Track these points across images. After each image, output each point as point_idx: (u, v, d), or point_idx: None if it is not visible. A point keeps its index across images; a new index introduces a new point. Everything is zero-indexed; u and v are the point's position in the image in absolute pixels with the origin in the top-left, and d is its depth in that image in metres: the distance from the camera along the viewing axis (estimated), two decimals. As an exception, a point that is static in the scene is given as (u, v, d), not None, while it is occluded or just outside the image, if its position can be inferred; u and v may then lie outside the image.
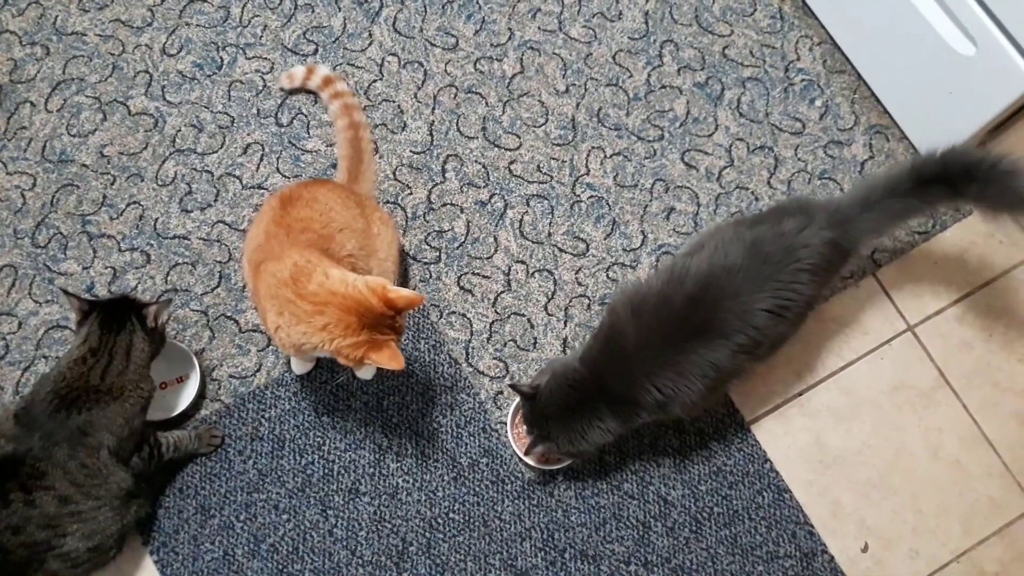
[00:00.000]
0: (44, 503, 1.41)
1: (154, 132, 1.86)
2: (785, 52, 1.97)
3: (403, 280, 1.76)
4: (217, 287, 1.77)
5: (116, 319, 1.51)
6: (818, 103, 1.93)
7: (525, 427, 1.60)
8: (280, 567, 1.61)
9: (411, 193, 1.84)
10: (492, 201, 1.85)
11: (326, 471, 1.67)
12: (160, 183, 1.83)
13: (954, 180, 1.52)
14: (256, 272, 1.41)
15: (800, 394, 1.76)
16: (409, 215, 1.83)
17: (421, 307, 1.76)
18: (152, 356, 1.56)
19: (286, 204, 1.46)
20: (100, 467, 1.46)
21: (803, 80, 1.95)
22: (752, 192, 1.87)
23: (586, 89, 1.93)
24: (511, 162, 1.87)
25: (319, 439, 1.68)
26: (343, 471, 1.67)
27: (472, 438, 1.69)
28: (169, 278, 1.77)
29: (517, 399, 1.65)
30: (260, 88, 1.90)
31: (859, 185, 1.64)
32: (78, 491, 1.44)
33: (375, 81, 1.92)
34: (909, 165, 1.56)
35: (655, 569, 1.64)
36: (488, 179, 1.86)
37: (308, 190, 1.50)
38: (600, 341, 1.53)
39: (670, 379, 1.45)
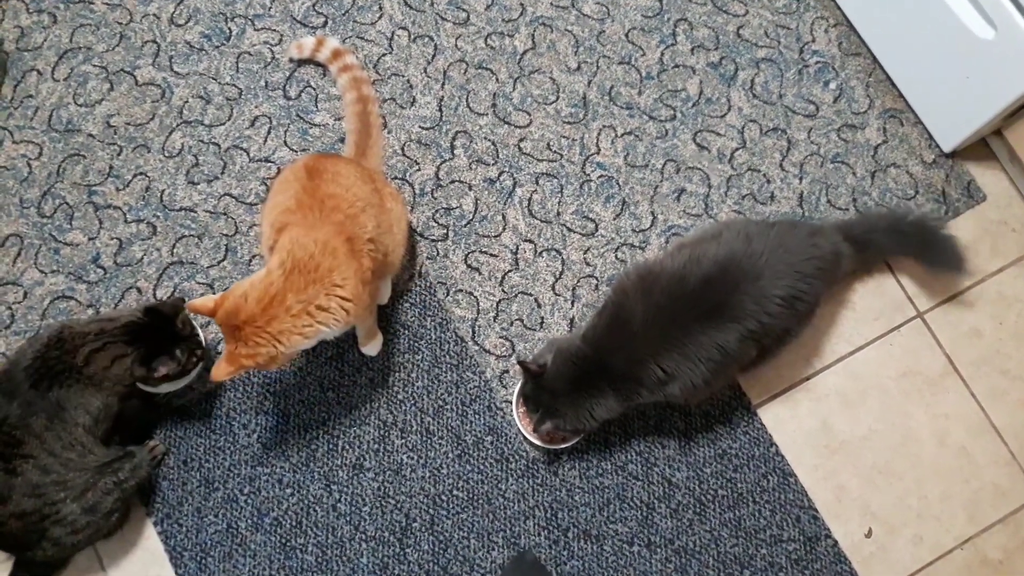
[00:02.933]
0: (25, 471, 1.41)
1: (161, 103, 1.84)
2: (800, 33, 1.94)
3: (410, 257, 1.75)
4: (223, 260, 1.76)
5: (143, 333, 1.49)
6: (832, 86, 1.91)
7: (525, 406, 1.59)
8: (283, 541, 1.62)
9: (419, 169, 1.83)
10: (501, 179, 1.83)
11: (330, 446, 1.66)
12: (167, 154, 1.82)
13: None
14: (277, 236, 1.40)
15: (808, 378, 1.75)
16: (417, 191, 1.82)
17: (428, 284, 1.75)
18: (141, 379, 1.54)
19: (312, 175, 1.45)
20: (77, 441, 1.45)
21: (818, 62, 1.92)
22: (764, 174, 1.85)
23: (598, 67, 1.90)
24: (521, 139, 1.85)
25: (324, 414, 1.68)
26: (347, 446, 1.66)
27: (477, 416, 1.69)
28: (175, 250, 1.76)
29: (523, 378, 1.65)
30: (268, 60, 1.88)
31: (870, 213, 1.81)
32: (57, 462, 1.43)
33: (384, 55, 1.90)
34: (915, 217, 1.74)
35: (658, 550, 1.64)
36: (497, 156, 1.84)
37: (330, 163, 1.49)
38: (605, 319, 1.53)
39: (674, 359, 1.46)
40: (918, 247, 1.72)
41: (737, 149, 1.87)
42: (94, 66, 1.86)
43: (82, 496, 1.45)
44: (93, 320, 1.51)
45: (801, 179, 1.85)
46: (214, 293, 1.73)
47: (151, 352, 1.50)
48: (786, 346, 1.60)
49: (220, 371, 1.35)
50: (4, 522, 1.42)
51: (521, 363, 1.52)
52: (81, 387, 1.45)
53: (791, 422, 1.72)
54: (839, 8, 1.94)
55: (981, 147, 1.88)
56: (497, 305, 1.76)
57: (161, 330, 1.51)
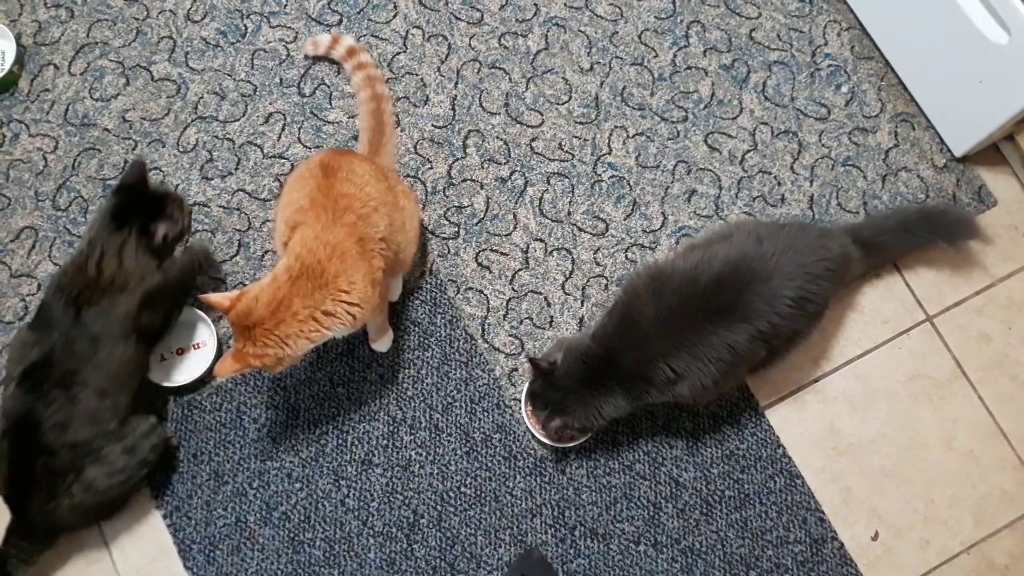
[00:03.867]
0: (84, 398, 1.44)
1: (176, 98, 1.86)
2: (813, 36, 1.95)
3: (421, 255, 1.76)
4: (236, 255, 1.77)
5: (127, 212, 1.51)
6: (844, 89, 1.91)
7: (532, 405, 1.60)
8: (291, 535, 1.63)
9: (431, 167, 1.84)
10: (512, 178, 1.84)
11: (340, 441, 1.67)
12: (181, 150, 1.83)
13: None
14: (291, 233, 1.42)
15: (816, 380, 1.75)
16: (429, 189, 1.82)
17: (439, 281, 1.76)
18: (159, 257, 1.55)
19: (327, 173, 1.46)
20: (125, 356, 1.49)
21: (830, 65, 1.93)
22: (775, 177, 1.86)
23: (611, 68, 1.91)
24: (533, 139, 1.86)
25: (333, 409, 1.69)
26: (357, 442, 1.67)
27: (486, 413, 1.70)
28: (187, 246, 1.77)
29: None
30: (283, 57, 1.89)
31: (876, 215, 1.81)
32: (113, 382, 1.47)
33: (399, 54, 1.91)
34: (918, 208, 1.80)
35: (664, 550, 1.64)
36: (509, 155, 1.85)
37: (346, 161, 1.50)
38: (615, 318, 1.54)
39: (684, 359, 1.47)
40: (928, 235, 1.72)
41: (748, 151, 1.87)
42: (110, 61, 1.88)
43: (121, 433, 1.48)
44: (82, 240, 1.53)
45: (812, 182, 1.86)
46: (227, 288, 1.75)
47: (144, 226, 1.52)
48: (795, 347, 1.60)
49: (225, 367, 1.37)
50: (56, 452, 1.44)
51: (531, 360, 1.53)
52: (109, 299, 1.47)
53: (799, 424, 1.72)
54: (852, 12, 1.95)
55: (992, 152, 1.88)
56: (507, 303, 1.76)
57: (142, 202, 1.53)
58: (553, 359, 1.53)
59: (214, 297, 1.38)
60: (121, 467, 1.49)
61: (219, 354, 1.70)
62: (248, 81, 1.87)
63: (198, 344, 1.71)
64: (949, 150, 1.87)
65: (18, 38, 1.86)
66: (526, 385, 1.66)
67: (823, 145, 1.88)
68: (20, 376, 1.46)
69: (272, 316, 1.35)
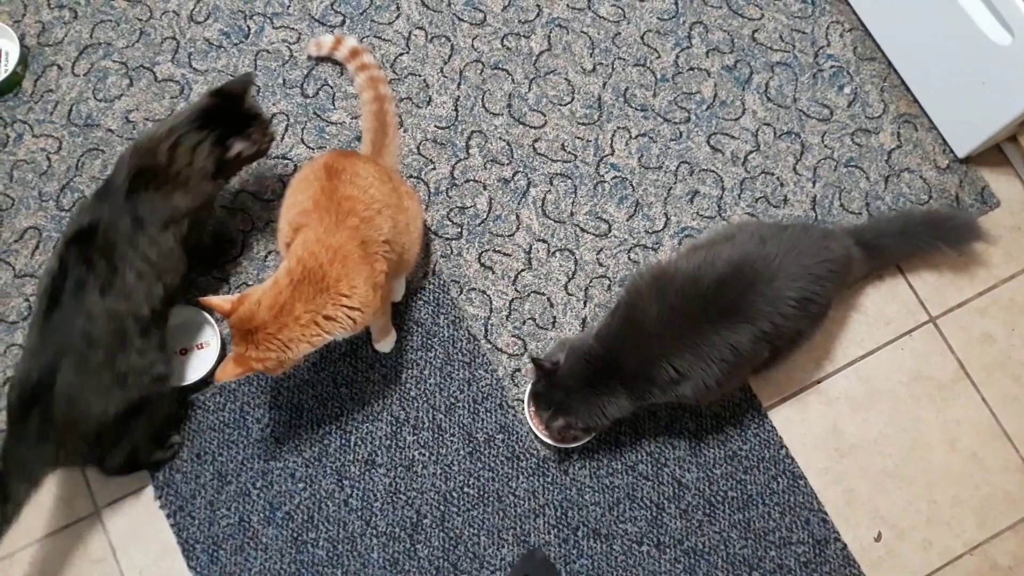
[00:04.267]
0: (124, 272, 1.45)
1: (180, 99, 1.86)
2: (815, 37, 1.95)
3: (424, 255, 1.76)
4: (239, 256, 1.77)
5: (216, 117, 1.52)
6: (847, 90, 1.92)
7: (535, 406, 1.60)
8: (295, 535, 1.63)
9: (434, 168, 1.84)
10: (515, 179, 1.84)
11: (343, 441, 1.68)
12: (185, 150, 1.83)
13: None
14: (294, 235, 1.42)
15: (818, 381, 1.75)
16: (432, 190, 1.83)
17: (442, 282, 1.77)
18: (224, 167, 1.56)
19: (331, 175, 1.46)
20: (165, 251, 1.49)
21: (832, 66, 1.93)
22: (777, 178, 1.86)
23: (613, 68, 1.91)
24: (535, 140, 1.86)
25: (337, 409, 1.69)
26: (360, 442, 1.68)
27: (489, 414, 1.70)
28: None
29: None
30: (287, 58, 1.89)
31: (880, 217, 1.82)
32: (150, 268, 1.47)
33: (401, 54, 1.91)
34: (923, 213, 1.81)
35: (667, 550, 1.64)
36: (512, 156, 1.85)
37: (350, 163, 1.50)
38: (618, 319, 1.54)
39: (687, 360, 1.47)
40: (931, 239, 1.72)
41: (751, 152, 1.87)
42: (114, 62, 1.88)
43: (142, 344, 1.48)
44: (163, 121, 1.54)
45: (814, 183, 1.86)
46: (229, 288, 1.75)
47: (225, 135, 1.52)
48: (798, 348, 1.60)
49: (227, 372, 1.37)
50: (94, 316, 1.42)
51: (534, 360, 1.53)
52: (168, 190, 1.48)
53: (801, 425, 1.72)
54: (854, 13, 1.95)
55: (995, 153, 1.89)
56: (510, 304, 1.77)
57: (232, 115, 1.53)
58: (556, 359, 1.53)
59: (215, 300, 1.38)
60: (148, 364, 1.48)
61: (223, 354, 1.70)
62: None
63: (202, 344, 1.71)
64: (952, 151, 1.87)
65: (22, 39, 1.87)
66: (529, 386, 1.67)
67: (826, 146, 1.88)
68: (70, 236, 1.47)
69: (274, 320, 1.36)
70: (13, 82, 1.85)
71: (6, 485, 1.41)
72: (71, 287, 1.43)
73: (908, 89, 1.90)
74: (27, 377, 1.43)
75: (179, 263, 1.53)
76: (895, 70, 1.92)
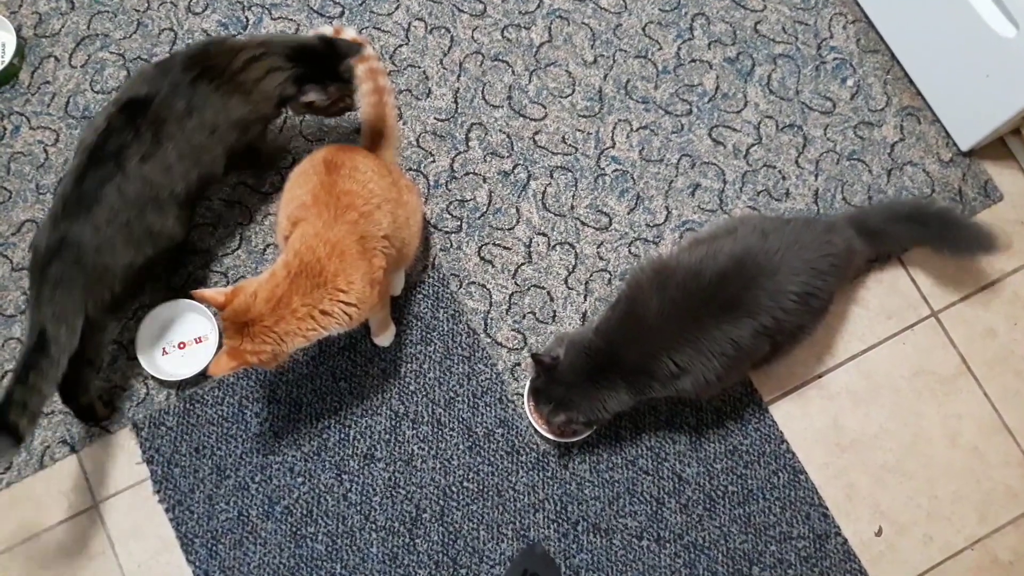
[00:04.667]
0: (167, 147, 1.48)
1: (177, 91, 1.85)
2: (818, 29, 1.93)
3: (424, 249, 1.76)
4: (237, 248, 1.77)
5: (309, 61, 1.53)
6: (850, 83, 1.90)
7: (535, 401, 1.59)
8: (294, 529, 1.62)
9: (434, 161, 1.83)
10: (515, 171, 1.83)
11: (342, 436, 1.67)
12: (183, 142, 1.82)
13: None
14: (293, 228, 1.42)
15: (819, 376, 1.74)
16: (431, 183, 1.82)
17: (441, 276, 1.76)
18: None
19: (331, 169, 1.46)
20: (208, 143, 1.51)
21: (835, 59, 1.91)
22: (779, 171, 1.84)
23: (614, 60, 1.90)
24: (536, 132, 1.85)
25: (336, 403, 1.69)
26: (359, 436, 1.67)
27: (488, 408, 1.69)
28: (189, 238, 1.76)
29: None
30: (285, 49, 1.88)
31: (882, 203, 1.80)
32: (191, 153, 1.50)
33: (401, 46, 1.89)
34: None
35: (667, 545, 1.64)
36: (512, 149, 1.84)
37: (349, 157, 1.49)
38: (619, 312, 1.53)
39: (688, 354, 1.47)
40: (939, 236, 1.70)
41: (753, 145, 1.86)
42: (111, 53, 1.87)
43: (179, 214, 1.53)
44: (258, 36, 1.56)
45: (817, 176, 1.85)
46: (227, 281, 1.74)
47: (306, 78, 1.53)
48: (799, 343, 1.59)
49: (221, 366, 1.36)
50: (130, 178, 1.46)
51: (534, 356, 1.53)
52: (228, 91, 1.50)
53: (802, 419, 1.72)
54: (858, 4, 1.93)
55: (999, 146, 1.87)
56: (510, 298, 1.76)
57: (324, 65, 1.54)
58: (555, 354, 1.52)
59: (208, 292, 1.37)
60: (159, 235, 1.52)
61: (220, 347, 1.69)
62: (250, 73, 1.86)
63: (200, 338, 1.70)
64: (955, 144, 1.86)
65: (18, 30, 1.86)
66: (528, 380, 1.66)
67: (828, 139, 1.87)
68: (124, 102, 1.50)
69: (271, 313, 1.35)
70: (10, 74, 1.84)
71: (45, 331, 1.42)
72: (113, 148, 1.46)
73: (911, 82, 1.89)
74: (55, 227, 1.46)
75: (218, 159, 1.55)
76: (898, 62, 1.90)
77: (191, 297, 1.67)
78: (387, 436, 1.67)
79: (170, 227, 1.53)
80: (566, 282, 1.77)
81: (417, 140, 1.84)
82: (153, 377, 1.67)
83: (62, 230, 1.45)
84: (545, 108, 1.87)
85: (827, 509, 1.67)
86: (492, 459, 1.67)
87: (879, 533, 1.67)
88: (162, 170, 1.48)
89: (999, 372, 1.75)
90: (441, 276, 1.76)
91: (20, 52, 1.84)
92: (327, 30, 1.83)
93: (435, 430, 1.68)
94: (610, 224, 1.81)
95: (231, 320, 1.36)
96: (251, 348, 1.36)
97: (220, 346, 1.69)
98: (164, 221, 1.52)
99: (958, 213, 1.78)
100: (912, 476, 1.70)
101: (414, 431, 1.68)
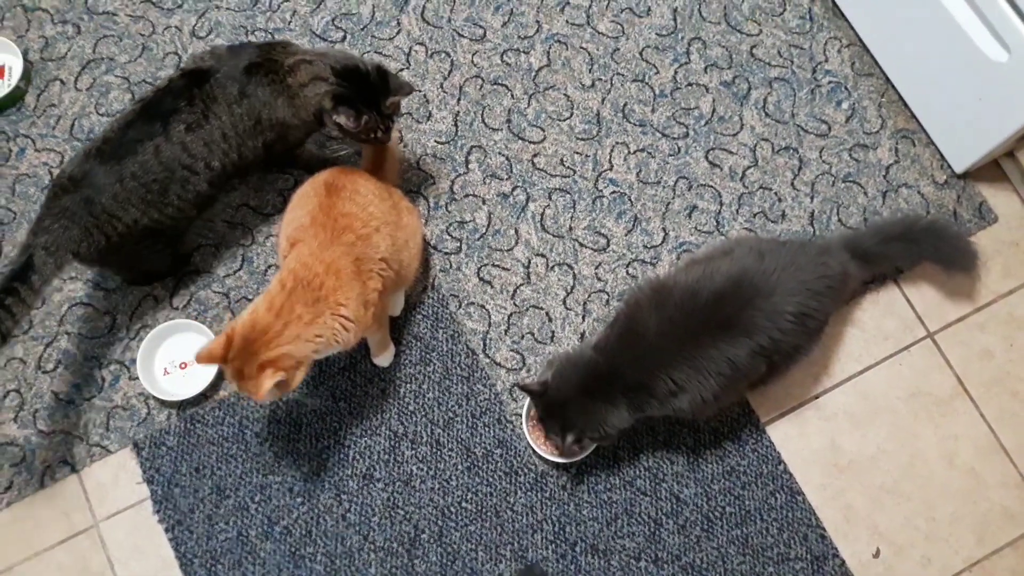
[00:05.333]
0: (212, 125, 1.53)
1: (181, 114, 1.87)
2: (813, 53, 1.96)
3: (424, 269, 1.77)
4: (239, 270, 1.78)
5: (360, 84, 1.55)
6: (845, 106, 1.92)
7: (543, 433, 1.60)
8: (293, 549, 1.63)
9: (434, 183, 1.85)
10: (514, 193, 1.85)
11: (341, 456, 1.68)
12: (186, 165, 1.84)
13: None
14: (291, 249, 1.44)
15: (816, 397, 1.75)
16: (431, 205, 1.83)
17: (440, 296, 1.77)
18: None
19: (331, 192, 1.48)
20: (247, 134, 1.56)
21: (830, 82, 1.94)
22: (775, 193, 1.86)
23: (612, 84, 1.92)
24: (534, 155, 1.87)
25: (335, 424, 1.69)
26: (358, 456, 1.68)
27: (487, 428, 1.70)
28: (192, 259, 1.78)
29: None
30: (287, 73, 1.90)
31: (873, 224, 1.81)
32: (235, 136, 1.55)
33: (402, 70, 1.92)
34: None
35: (665, 566, 1.64)
36: (511, 171, 1.86)
37: (350, 180, 1.51)
38: (617, 330, 1.54)
39: (685, 372, 1.48)
40: (931, 250, 1.72)
41: (749, 167, 1.88)
42: (116, 76, 1.89)
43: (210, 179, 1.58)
44: (319, 48, 1.60)
45: (812, 198, 1.86)
46: (229, 301, 1.76)
47: (345, 98, 1.54)
48: (795, 365, 1.60)
49: (263, 386, 1.34)
50: (172, 142, 1.51)
51: (520, 385, 1.54)
52: (276, 90, 1.55)
53: (799, 440, 1.72)
54: (852, 29, 1.96)
55: (993, 168, 1.89)
56: (508, 318, 1.77)
57: (369, 92, 1.56)
58: (544, 379, 1.53)
59: (205, 350, 1.36)
60: (175, 205, 1.57)
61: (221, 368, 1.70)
62: (252, 97, 1.88)
63: (201, 358, 1.71)
64: (950, 166, 1.88)
65: (25, 54, 1.88)
66: (527, 400, 1.67)
67: (824, 161, 1.89)
68: (190, 69, 1.56)
69: (277, 318, 1.36)
70: (16, 97, 1.86)
71: (32, 256, 1.46)
72: (166, 109, 1.52)
73: (906, 105, 1.91)
74: (84, 161, 1.51)
75: (258, 150, 1.60)
76: (893, 86, 1.92)
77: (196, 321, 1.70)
78: (386, 456, 1.68)
79: (188, 202, 1.57)
80: (564, 303, 1.79)
81: (417, 162, 1.86)
82: (154, 397, 1.68)
83: (88, 167, 1.50)
84: (544, 131, 1.89)
85: (825, 530, 1.67)
86: (490, 479, 1.68)
87: (877, 555, 1.67)
88: (203, 144, 1.53)
89: (996, 393, 1.76)
90: (440, 297, 1.77)
91: (26, 75, 1.87)
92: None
93: (434, 450, 1.69)
94: (608, 245, 1.82)
95: (243, 348, 1.35)
96: (272, 356, 1.35)
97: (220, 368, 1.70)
98: (185, 194, 1.56)
99: (945, 223, 1.79)
100: (910, 497, 1.70)
101: (413, 451, 1.69)
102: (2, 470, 1.65)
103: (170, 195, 1.54)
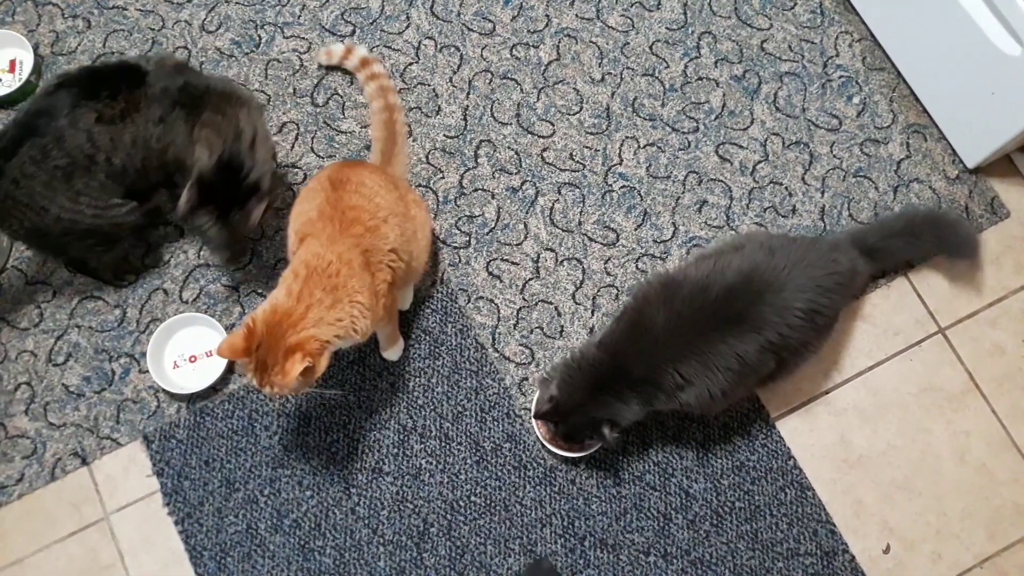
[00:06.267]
0: (127, 126, 1.50)
1: (191, 108, 1.87)
2: (824, 48, 1.95)
3: (433, 264, 1.77)
4: (248, 264, 1.78)
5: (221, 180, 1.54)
6: (856, 100, 1.91)
7: (568, 444, 1.61)
8: (302, 542, 1.63)
9: (443, 177, 1.85)
10: (524, 188, 1.85)
11: (350, 449, 1.68)
12: (195, 159, 1.84)
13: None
14: (300, 244, 1.43)
15: (827, 392, 1.74)
16: (441, 199, 1.83)
17: (450, 290, 1.77)
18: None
19: (337, 186, 1.47)
20: (153, 154, 1.55)
21: (841, 76, 1.93)
22: (786, 188, 1.86)
23: (622, 78, 1.92)
24: (544, 149, 1.87)
25: (344, 418, 1.70)
26: (367, 450, 1.68)
27: (496, 423, 1.70)
28: (202, 253, 1.79)
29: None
30: (297, 67, 1.91)
31: (877, 220, 1.81)
32: (145, 146, 1.53)
33: (411, 64, 1.92)
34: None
35: (674, 561, 1.64)
36: (520, 166, 1.86)
37: (355, 173, 1.51)
38: (624, 324, 1.54)
39: (693, 367, 1.48)
40: (934, 241, 1.72)
41: (759, 162, 1.87)
42: (126, 71, 1.90)
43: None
44: (243, 97, 1.60)
45: (823, 193, 1.85)
46: (239, 295, 1.76)
47: (208, 187, 1.53)
48: (804, 361, 1.60)
49: (292, 371, 1.32)
50: (79, 129, 1.48)
51: (537, 416, 1.57)
52: (192, 125, 1.54)
53: (809, 435, 1.72)
54: (863, 23, 1.95)
55: (1005, 163, 1.88)
56: (517, 313, 1.77)
57: (232, 188, 1.55)
58: (551, 395, 1.53)
59: (227, 343, 1.34)
60: (87, 195, 1.54)
61: (231, 361, 1.71)
62: (262, 91, 1.89)
63: (210, 352, 1.72)
64: (961, 161, 1.87)
65: (36, 48, 1.89)
66: (536, 394, 1.67)
67: (834, 156, 1.88)
68: (125, 64, 1.56)
69: (299, 302, 1.35)
70: (27, 91, 1.87)
71: None
72: (82, 93, 1.49)
73: (917, 99, 1.90)
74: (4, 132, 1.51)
75: (161, 176, 1.59)
76: (904, 80, 1.91)
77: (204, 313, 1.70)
78: (395, 450, 1.68)
79: (102, 200, 1.54)
80: (573, 297, 1.78)
81: (427, 157, 1.86)
82: (164, 390, 1.69)
83: (6, 140, 1.50)
84: (553, 125, 1.89)
85: (835, 526, 1.66)
86: (499, 473, 1.68)
87: (887, 550, 1.66)
88: (110, 139, 1.50)
89: (1007, 389, 1.75)
90: (450, 291, 1.77)
91: (37, 70, 1.88)
92: (338, 49, 1.86)
93: (443, 444, 1.69)
94: (617, 240, 1.82)
95: (269, 337, 1.33)
96: (301, 338, 1.33)
97: (230, 363, 1.71)
98: (98, 189, 1.53)
99: (942, 212, 1.79)
100: (920, 493, 1.69)
101: (422, 445, 1.69)
102: (13, 462, 1.66)
103: (77, 183, 1.51)
